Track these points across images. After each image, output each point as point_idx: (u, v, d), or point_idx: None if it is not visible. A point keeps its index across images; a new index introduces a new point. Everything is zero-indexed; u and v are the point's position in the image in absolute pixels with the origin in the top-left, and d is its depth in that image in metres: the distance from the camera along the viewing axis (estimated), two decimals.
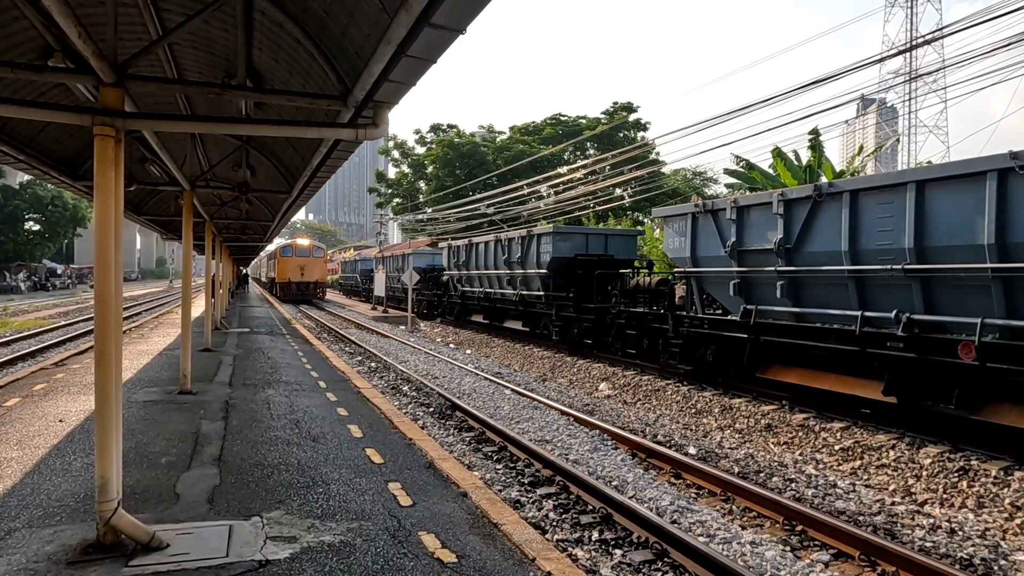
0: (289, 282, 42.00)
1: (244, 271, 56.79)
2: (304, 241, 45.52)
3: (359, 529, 4.50)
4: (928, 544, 5.83)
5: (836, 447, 8.64)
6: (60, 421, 7.39)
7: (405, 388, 12.47)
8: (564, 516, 6.04)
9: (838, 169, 22.76)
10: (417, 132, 57.60)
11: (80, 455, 6.05)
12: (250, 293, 50.89)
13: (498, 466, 7.62)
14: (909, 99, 69.05)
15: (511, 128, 55.36)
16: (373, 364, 15.81)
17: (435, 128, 56.73)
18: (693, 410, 11.15)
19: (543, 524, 5.82)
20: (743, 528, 5.97)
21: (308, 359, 13.62)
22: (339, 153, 7.19)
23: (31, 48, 5.25)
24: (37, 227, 62.48)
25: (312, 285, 42.95)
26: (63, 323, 24.84)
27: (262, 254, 54.12)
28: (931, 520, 6.39)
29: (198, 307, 24.63)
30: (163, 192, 11.80)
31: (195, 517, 4.62)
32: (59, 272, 65.98)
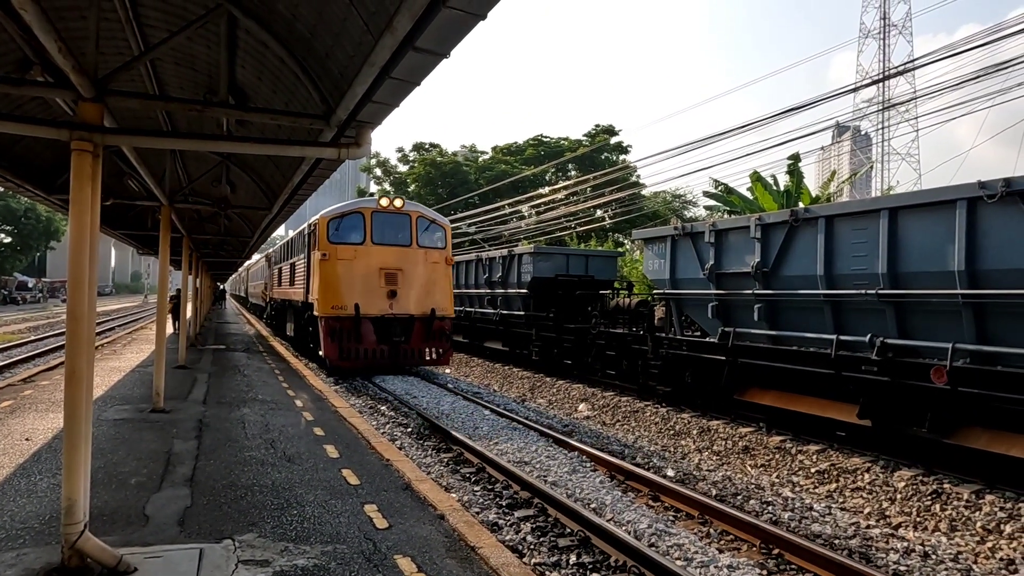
0: (357, 318, 14.63)
1: (221, 287, 56.22)
2: (396, 201, 16.01)
3: (333, 552, 4.43)
4: (902, 568, 5.87)
5: (812, 470, 8.70)
6: (26, 439, 7.20)
7: (383, 408, 12.35)
8: (542, 539, 5.99)
9: (814, 194, 23.22)
10: (400, 150, 57.46)
11: (46, 475, 5.89)
12: (227, 309, 50.26)
13: (476, 488, 7.56)
14: (882, 127, 70.81)
15: (493, 148, 55.65)
16: (351, 383, 15.65)
17: (417, 147, 56.85)
18: (672, 432, 11.17)
19: (520, 547, 5.77)
20: (720, 551, 5.97)
21: (285, 377, 13.45)
22: (321, 171, 7.19)
23: (9, 60, 5.19)
24: (9, 239, 61.25)
25: (420, 327, 15.43)
26: (32, 338, 24.30)
27: (256, 256, 33.05)
28: (905, 543, 6.45)
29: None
30: (140, 207, 11.68)
31: (164, 540, 4.51)
32: (30, 285, 64.61)
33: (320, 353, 15.15)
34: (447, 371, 18.58)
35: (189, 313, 18.27)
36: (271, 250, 27.72)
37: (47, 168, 8.67)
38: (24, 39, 4.20)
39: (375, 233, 15.35)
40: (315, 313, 15.05)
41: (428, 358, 15.57)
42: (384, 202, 15.71)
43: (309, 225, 16.60)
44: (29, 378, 12.08)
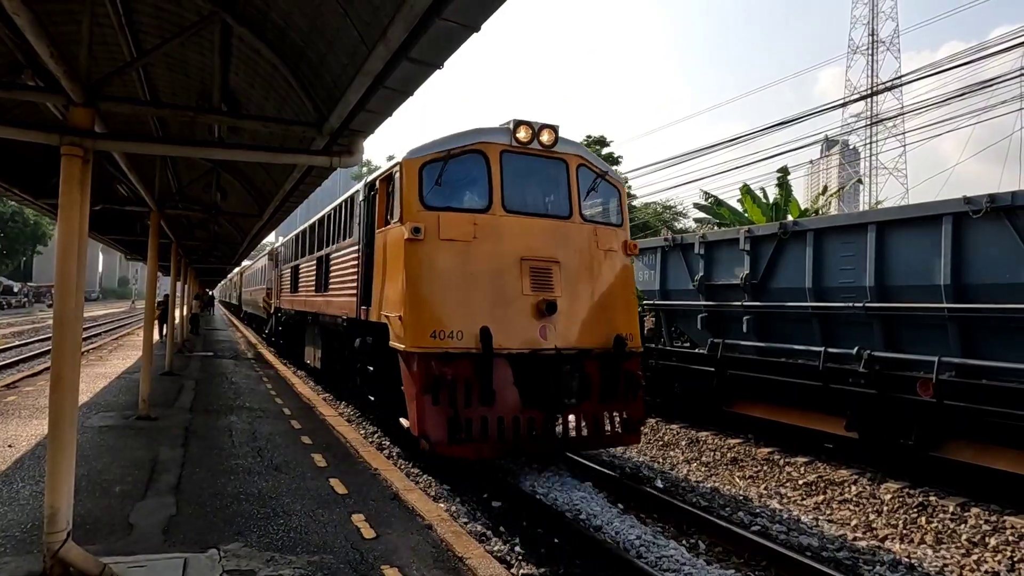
0: (487, 357, 7.02)
1: (210, 293, 55.83)
2: (543, 135, 7.88)
3: (320, 562, 4.39)
4: None
5: (800, 481, 8.72)
6: (9, 446, 7.10)
7: (372, 416, 12.27)
8: (530, 550, 5.97)
9: (803, 207, 23.42)
10: (390, 158, 57.45)
11: (29, 483, 5.82)
12: (215, 316, 49.93)
13: (464, 498, 7.51)
14: (870, 142, 71.67)
15: None
16: (340, 391, 15.54)
17: None
18: (661, 443, 11.18)
19: (509, 558, 5.73)
20: (709, 563, 5.97)
21: (273, 385, 13.36)
22: (312, 179, 7.19)
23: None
24: None
25: (599, 372, 7.78)
26: (17, 343, 24.01)
27: (246, 263, 28.60)
28: (892, 556, 6.47)
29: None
30: (130, 212, 11.61)
31: (149, 549, 4.46)
32: (15, 290, 63.88)
33: (404, 424, 7.85)
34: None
35: (177, 319, 18.14)
36: (277, 243, 21.02)
37: (36, 171, 8.61)
38: (16, 43, 4.19)
39: (508, 192, 7.86)
40: (395, 346, 7.63)
41: (609, 431, 8.02)
42: (522, 134, 7.93)
43: (368, 186, 9.47)
44: (13, 384, 11.93)
